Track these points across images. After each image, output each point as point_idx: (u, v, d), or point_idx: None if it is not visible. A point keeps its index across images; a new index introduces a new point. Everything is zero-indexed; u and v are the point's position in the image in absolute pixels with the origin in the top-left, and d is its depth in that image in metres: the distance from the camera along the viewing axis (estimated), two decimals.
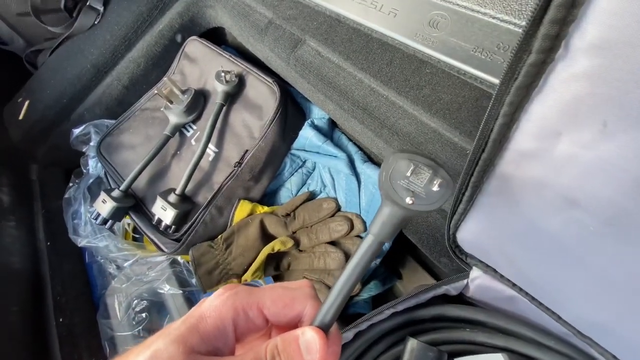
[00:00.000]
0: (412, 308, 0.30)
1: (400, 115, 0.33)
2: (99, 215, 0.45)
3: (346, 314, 0.45)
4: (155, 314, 0.44)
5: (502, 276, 0.26)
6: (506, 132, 0.18)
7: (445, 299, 0.31)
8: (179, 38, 0.59)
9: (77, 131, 0.57)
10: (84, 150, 0.58)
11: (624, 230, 0.16)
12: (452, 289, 0.30)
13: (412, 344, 0.26)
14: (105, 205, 0.45)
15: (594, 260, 0.19)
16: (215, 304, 0.17)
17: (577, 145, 0.16)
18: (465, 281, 0.30)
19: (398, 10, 0.34)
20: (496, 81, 0.26)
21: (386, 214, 0.19)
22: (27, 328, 0.41)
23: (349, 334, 0.29)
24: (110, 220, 0.46)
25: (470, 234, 0.26)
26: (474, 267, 0.29)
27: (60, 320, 0.42)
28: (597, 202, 0.16)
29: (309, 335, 0.17)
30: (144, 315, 0.43)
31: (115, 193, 0.47)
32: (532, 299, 0.26)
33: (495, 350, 0.28)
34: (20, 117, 0.59)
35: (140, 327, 0.42)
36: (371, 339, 0.30)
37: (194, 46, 0.57)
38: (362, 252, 0.19)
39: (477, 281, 0.29)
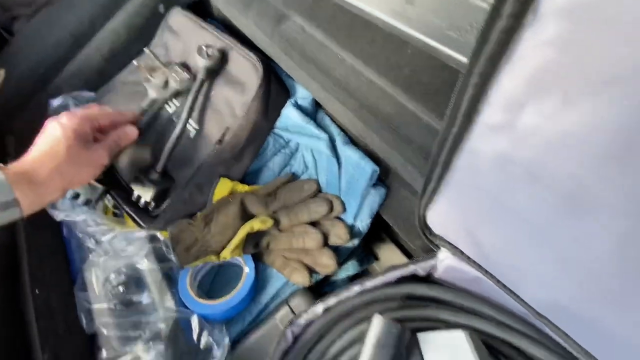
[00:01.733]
0: (380, 286, 0.31)
1: (379, 96, 0.33)
2: (78, 195, 0.45)
3: (322, 293, 0.46)
4: (133, 287, 0.45)
5: (468, 258, 0.27)
6: (476, 105, 0.18)
7: (414, 279, 0.32)
8: (161, 9, 0.57)
9: (55, 102, 0.55)
10: None
11: (581, 206, 0.17)
12: (421, 269, 0.31)
13: (377, 320, 0.27)
14: (84, 185, 0.45)
15: (552, 239, 0.19)
16: (56, 129, 0.35)
17: (540, 116, 0.16)
18: (433, 262, 0.30)
19: None
20: (466, 61, 0.26)
21: None
22: (3, 299, 0.41)
23: (318, 308, 0.30)
24: (92, 200, 0.46)
25: (439, 214, 0.26)
26: (442, 249, 0.29)
27: (37, 292, 0.42)
28: (557, 177, 0.17)
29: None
30: (121, 289, 0.43)
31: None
32: (496, 281, 0.26)
33: (459, 327, 0.29)
34: None
35: (117, 301, 0.42)
36: (339, 314, 0.31)
37: (177, 18, 0.55)
38: None
39: (445, 262, 0.30)
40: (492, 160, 0.19)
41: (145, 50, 0.53)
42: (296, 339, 0.30)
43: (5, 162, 0.53)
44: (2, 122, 0.56)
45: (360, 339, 0.29)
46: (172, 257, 0.45)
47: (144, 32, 0.57)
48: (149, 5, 0.55)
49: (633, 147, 0.14)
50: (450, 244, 0.28)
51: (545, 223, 0.19)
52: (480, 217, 0.23)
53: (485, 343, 0.28)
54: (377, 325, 0.26)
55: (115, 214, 0.55)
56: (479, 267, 0.26)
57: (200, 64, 0.47)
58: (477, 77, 0.16)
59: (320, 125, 0.46)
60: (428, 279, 0.32)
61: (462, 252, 0.27)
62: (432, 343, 0.27)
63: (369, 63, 0.33)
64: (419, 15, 0.28)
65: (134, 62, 0.53)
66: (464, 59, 0.26)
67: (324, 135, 0.43)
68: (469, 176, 0.21)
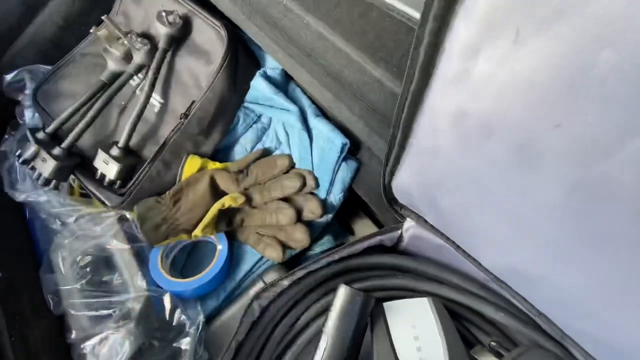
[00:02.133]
0: (348, 257, 0.31)
1: (345, 63, 0.31)
2: (40, 175, 0.42)
3: None
4: (102, 269, 0.44)
5: (431, 226, 0.27)
6: (433, 54, 0.17)
7: (381, 249, 0.32)
8: None
9: (9, 77, 0.51)
10: (19, 99, 0.52)
11: (530, 157, 0.16)
12: (387, 239, 0.31)
13: (341, 290, 0.27)
14: (46, 165, 0.42)
15: (503, 198, 0.19)
16: None
17: (493, 62, 0.15)
18: (399, 232, 0.30)
19: None
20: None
21: None
22: None
23: (285, 281, 0.30)
24: (53, 181, 0.43)
25: (403, 182, 0.26)
26: (407, 218, 0.29)
27: (0, 274, 0.40)
28: (509, 128, 0.16)
29: None
30: (88, 269, 0.42)
31: (57, 151, 0.43)
32: (457, 247, 0.27)
33: (423, 295, 0.29)
34: None
35: (84, 281, 0.41)
36: (307, 286, 0.31)
37: None
38: None
39: (409, 231, 0.29)
40: (451, 118, 0.18)
41: (104, 18, 0.50)
42: (263, 311, 0.30)
43: None
44: None
45: (327, 310, 0.29)
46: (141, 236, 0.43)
47: None
48: None
49: (579, 85, 0.13)
50: (414, 212, 0.27)
51: (497, 181, 0.19)
52: (440, 182, 0.22)
53: (448, 309, 0.28)
54: (341, 294, 0.26)
55: (82, 194, 0.53)
56: (440, 234, 0.26)
57: (162, 31, 0.44)
58: (432, 22, 0.16)
59: (291, 97, 0.44)
60: (395, 249, 0.32)
61: (425, 221, 0.27)
62: (396, 310, 0.27)
63: (334, 27, 0.31)
64: None
65: (92, 31, 0.50)
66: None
67: (293, 108, 0.41)
68: (429, 139, 0.21)
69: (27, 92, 0.52)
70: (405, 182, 0.25)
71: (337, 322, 0.26)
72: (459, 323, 0.29)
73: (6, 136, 0.52)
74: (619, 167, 0.13)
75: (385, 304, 0.29)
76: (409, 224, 0.29)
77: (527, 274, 0.22)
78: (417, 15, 0.27)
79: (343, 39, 0.31)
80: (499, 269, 0.24)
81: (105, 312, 0.40)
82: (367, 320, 0.27)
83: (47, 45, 0.53)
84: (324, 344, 0.26)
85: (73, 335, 0.38)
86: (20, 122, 0.52)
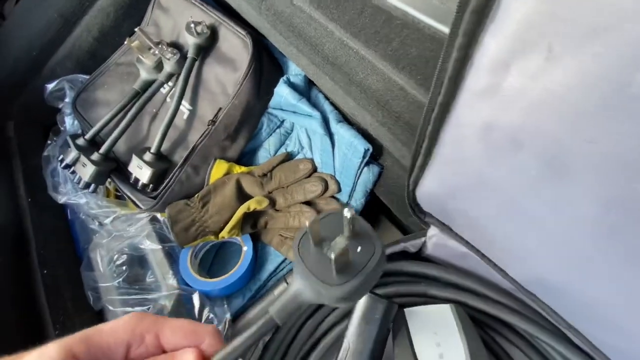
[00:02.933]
0: None
1: (369, 71, 0.32)
2: (80, 179, 0.46)
3: None
4: (136, 267, 0.46)
5: (456, 234, 0.27)
6: (461, 69, 0.17)
7: (404, 255, 0.32)
8: None
9: (50, 86, 0.55)
10: (59, 106, 0.56)
11: (563, 171, 0.16)
12: (411, 246, 0.31)
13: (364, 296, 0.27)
14: (86, 169, 0.45)
15: (535, 210, 0.19)
16: (117, 323, 0.18)
17: (524, 77, 0.15)
18: (423, 239, 0.30)
19: None
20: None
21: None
22: (13, 278, 0.43)
23: None
24: (92, 184, 0.46)
25: (427, 190, 0.26)
26: (431, 226, 0.29)
27: (45, 272, 0.44)
28: (539, 141, 0.16)
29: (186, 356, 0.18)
30: (124, 268, 0.45)
31: (95, 156, 0.46)
32: (482, 256, 0.26)
33: (446, 302, 0.29)
34: None
35: (121, 279, 0.44)
36: None
37: None
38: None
39: (433, 239, 0.30)
40: (478, 130, 0.18)
41: (136, 30, 0.52)
42: None
43: (7, 149, 0.53)
44: (0, 107, 0.57)
45: (348, 315, 0.30)
46: (172, 237, 0.46)
47: (134, 9, 0.56)
48: None
49: (614, 103, 0.13)
50: (438, 220, 0.27)
51: (528, 193, 0.18)
52: (466, 192, 0.22)
53: (472, 317, 0.28)
54: (363, 300, 0.27)
55: (117, 197, 0.56)
56: (465, 243, 0.26)
57: (190, 41, 0.46)
58: (461, 37, 0.16)
59: (313, 103, 0.45)
60: (418, 256, 0.32)
61: (449, 229, 0.27)
62: (418, 317, 0.28)
63: (357, 35, 0.32)
64: None
65: (125, 42, 0.52)
66: (447, 30, 0.25)
67: (316, 114, 0.42)
68: (456, 150, 0.21)
69: (67, 100, 0.55)
70: (430, 190, 0.25)
71: (358, 328, 0.27)
72: (484, 332, 0.29)
73: (49, 142, 0.55)
74: None
75: (407, 310, 0.29)
76: (433, 231, 0.29)
77: (556, 286, 0.22)
78: (440, 26, 0.27)
79: (366, 47, 0.31)
80: (527, 279, 0.24)
81: (140, 308, 0.42)
82: (389, 327, 0.28)
83: (84, 56, 0.56)
84: (346, 349, 0.27)
85: None
86: (62, 128, 0.56)
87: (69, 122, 0.55)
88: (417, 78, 0.28)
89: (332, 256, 0.15)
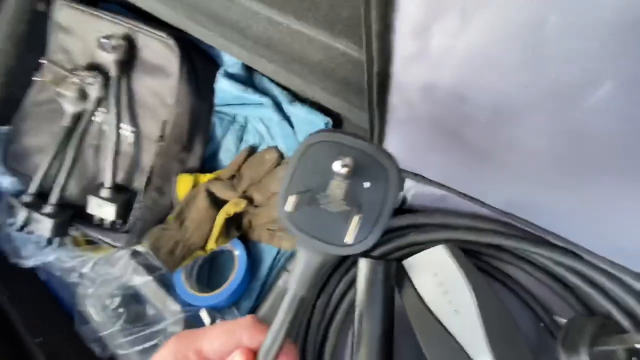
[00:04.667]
0: None
1: (305, 44, 0.30)
2: (41, 237, 0.42)
3: None
4: (133, 305, 0.45)
5: (430, 180, 0.28)
6: (386, 39, 0.17)
7: None
8: (41, 6, 0.48)
9: None
10: None
11: (507, 115, 0.17)
12: None
13: (362, 262, 0.28)
14: (43, 225, 0.42)
15: (495, 150, 0.20)
16: (160, 353, 0.19)
17: (446, 37, 0.15)
18: (402, 193, 0.31)
19: None
20: None
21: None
22: (11, 357, 0.41)
23: None
24: (56, 238, 0.43)
25: (392, 149, 0.26)
26: (406, 179, 0.30)
27: (39, 340, 0.41)
28: (479, 92, 0.17)
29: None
30: (121, 310, 0.43)
31: (48, 209, 0.43)
32: (459, 193, 0.27)
33: (438, 244, 0.31)
34: None
35: (122, 321, 0.42)
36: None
37: (65, 12, 0.47)
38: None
39: (411, 191, 0.30)
40: (420, 91, 0.18)
41: (44, 61, 0.47)
42: None
43: None
44: None
45: (354, 282, 0.31)
46: (160, 264, 0.44)
47: (34, 40, 0.49)
48: (25, 6, 0.47)
49: (533, 49, 0.13)
50: (410, 172, 0.28)
51: (485, 137, 0.19)
52: (428, 144, 0.23)
53: (464, 250, 0.30)
54: (363, 267, 0.28)
55: (88, 242, 0.53)
56: (441, 186, 0.27)
57: (108, 59, 0.42)
58: (375, 7, 0.15)
59: (260, 89, 0.43)
60: (401, 211, 0.33)
61: (422, 177, 0.28)
62: (416, 265, 0.29)
63: (284, 9, 0.30)
64: None
65: (36, 78, 0.47)
66: None
67: (266, 100, 0.41)
68: (407, 111, 0.21)
69: None
70: (395, 150, 0.25)
71: (365, 293, 0.28)
72: (477, 260, 0.31)
73: None
74: (589, 114, 0.14)
75: (405, 262, 0.30)
76: (409, 183, 0.30)
77: (529, 203, 0.23)
78: None
79: (296, 19, 0.30)
80: (503, 203, 0.26)
81: (150, 343, 0.41)
82: (393, 283, 0.29)
83: None
84: (359, 315, 0.28)
85: None
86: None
87: (5, 182, 0.50)
88: (355, 39, 0.27)
89: (334, 210, 0.13)
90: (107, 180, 0.42)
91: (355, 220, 0.13)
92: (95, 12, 0.45)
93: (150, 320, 0.43)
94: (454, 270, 0.28)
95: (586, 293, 0.28)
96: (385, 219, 0.14)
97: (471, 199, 0.27)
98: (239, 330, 0.19)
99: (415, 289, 0.29)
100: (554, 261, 0.28)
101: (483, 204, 0.27)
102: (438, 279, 0.29)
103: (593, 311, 0.29)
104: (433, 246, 0.30)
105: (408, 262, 0.30)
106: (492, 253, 0.31)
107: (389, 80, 0.19)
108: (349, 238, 0.14)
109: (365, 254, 0.30)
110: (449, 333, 0.27)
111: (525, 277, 0.31)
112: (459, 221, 0.30)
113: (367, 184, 0.14)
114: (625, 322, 0.26)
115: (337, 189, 0.13)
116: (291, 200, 0.13)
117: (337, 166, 0.13)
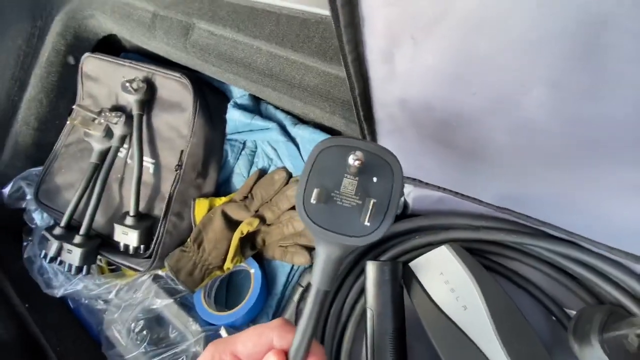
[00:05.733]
0: None
1: (303, 71, 0.34)
2: (71, 266, 0.45)
3: None
4: (156, 327, 0.47)
5: (427, 183, 0.30)
6: (360, 66, 0.20)
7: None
8: (71, 60, 0.55)
9: (7, 190, 0.54)
10: (23, 206, 0.55)
11: (469, 119, 0.20)
12: None
13: (368, 266, 0.30)
14: (73, 255, 0.45)
15: (471, 149, 0.22)
16: (200, 359, 0.20)
17: (406, 61, 0.18)
18: (402, 199, 0.33)
19: None
20: None
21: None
22: None
23: None
24: (84, 267, 0.46)
25: None
26: (405, 185, 0.32)
27: None
28: (442, 102, 0.19)
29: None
30: (145, 332, 0.45)
31: (77, 239, 0.46)
32: (455, 193, 0.30)
33: (441, 244, 0.32)
34: None
35: (145, 343, 0.44)
36: (342, 272, 0.34)
37: (91, 63, 0.54)
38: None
39: (411, 195, 0.32)
40: (397, 106, 0.21)
41: (74, 107, 0.52)
42: None
43: None
44: None
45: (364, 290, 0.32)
46: (180, 286, 0.46)
47: (64, 89, 0.56)
48: (57, 61, 0.54)
49: (473, 65, 0.16)
50: (408, 177, 0.30)
51: (459, 138, 0.22)
52: (417, 150, 0.25)
53: (467, 249, 0.31)
54: (370, 270, 0.29)
55: (111, 270, 0.56)
56: (437, 187, 0.29)
57: (130, 99, 0.47)
58: (347, 44, 0.18)
59: (266, 116, 0.47)
60: (404, 216, 0.35)
61: (419, 181, 0.30)
62: (422, 266, 0.30)
63: (282, 44, 0.34)
64: None
65: (68, 122, 0.53)
66: None
67: (271, 124, 0.44)
68: (390, 123, 0.24)
69: (28, 197, 0.54)
70: None
71: (374, 294, 0.29)
72: (481, 257, 0.32)
73: (24, 243, 0.54)
74: (530, 112, 0.16)
75: (411, 264, 0.32)
76: (408, 189, 0.32)
77: (520, 196, 0.25)
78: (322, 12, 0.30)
79: (294, 51, 0.34)
80: (498, 199, 0.28)
81: None
82: (401, 283, 0.30)
83: (30, 149, 0.55)
84: (371, 317, 0.29)
85: None
86: (32, 226, 0.55)
87: (38, 218, 0.54)
88: None
89: (348, 205, 0.14)
90: (132, 209, 0.46)
91: (371, 203, 0.15)
92: (119, 61, 0.51)
93: (173, 341, 0.45)
94: (458, 267, 0.30)
95: (592, 282, 0.29)
96: (394, 207, 0.16)
97: (467, 198, 0.29)
98: (269, 332, 0.19)
99: (423, 289, 0.30)
100: (555, 252, 0.29)
101: (480, 202, 0.28)
102: (444, 278, 0.30)
103: (602, 300, 0.30)
104: (436, 247, 0.32)
105: (414, 264, 0.32)
106: (496, 251, 0.32)
107: (371, 98, 0.22)
108: (366, 221, 0.15)
109: (375, 259, 0.32)
110: (460, 329, 0.28)
111: (532, 272, 0.32)
112: (459, 221, 0.31)
113: (374, 179, 0.16)
114: (632, 306, 0.27)
115: (349, 185, 0.15)
116: (314, 192, 0.15)
117: (351, 160, 0.15)
